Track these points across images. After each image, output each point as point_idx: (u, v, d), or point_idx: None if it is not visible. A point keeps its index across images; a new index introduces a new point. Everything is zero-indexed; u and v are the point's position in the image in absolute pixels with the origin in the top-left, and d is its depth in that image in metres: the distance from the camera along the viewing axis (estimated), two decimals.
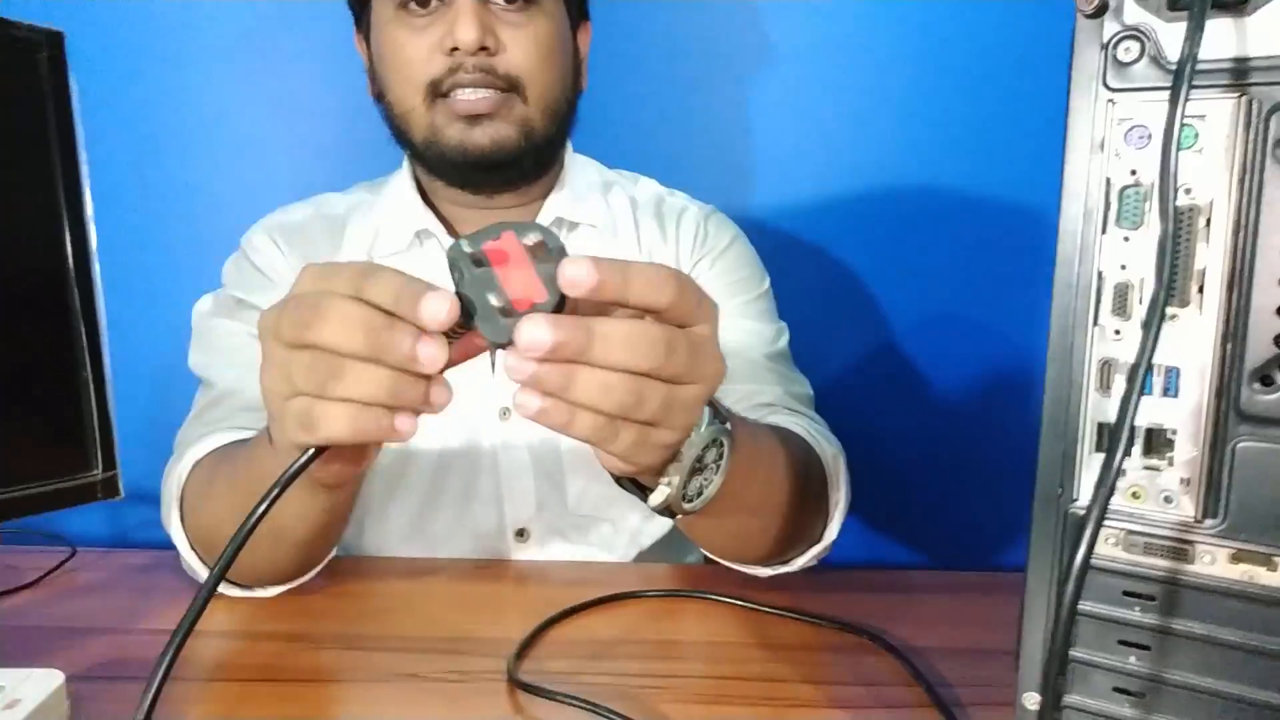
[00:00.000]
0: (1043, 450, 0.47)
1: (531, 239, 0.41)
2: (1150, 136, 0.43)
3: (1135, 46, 0.43)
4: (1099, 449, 0.46)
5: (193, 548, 0.75)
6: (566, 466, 0.93)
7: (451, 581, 0.85)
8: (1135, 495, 0.45)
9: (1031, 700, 0.48)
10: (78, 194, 0.61)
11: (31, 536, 0.92)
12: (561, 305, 0.42)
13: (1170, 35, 0.42)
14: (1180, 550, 0.44)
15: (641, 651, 0.71)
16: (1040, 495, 0.47)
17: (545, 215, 0.92)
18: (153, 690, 0.42)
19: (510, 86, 0.83)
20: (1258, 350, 0.42)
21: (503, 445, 0.92)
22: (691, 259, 0.96)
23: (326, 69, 1.21)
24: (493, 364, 0.84)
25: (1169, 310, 0.44)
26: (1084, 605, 0.47)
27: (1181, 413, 0.44)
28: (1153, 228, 0.43)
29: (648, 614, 0.78)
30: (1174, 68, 0.42)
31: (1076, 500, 0.46)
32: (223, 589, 0.75)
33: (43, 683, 0.57)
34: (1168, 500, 0.45)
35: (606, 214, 0.95)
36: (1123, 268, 0.44)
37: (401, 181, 0.93)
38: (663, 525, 0.96)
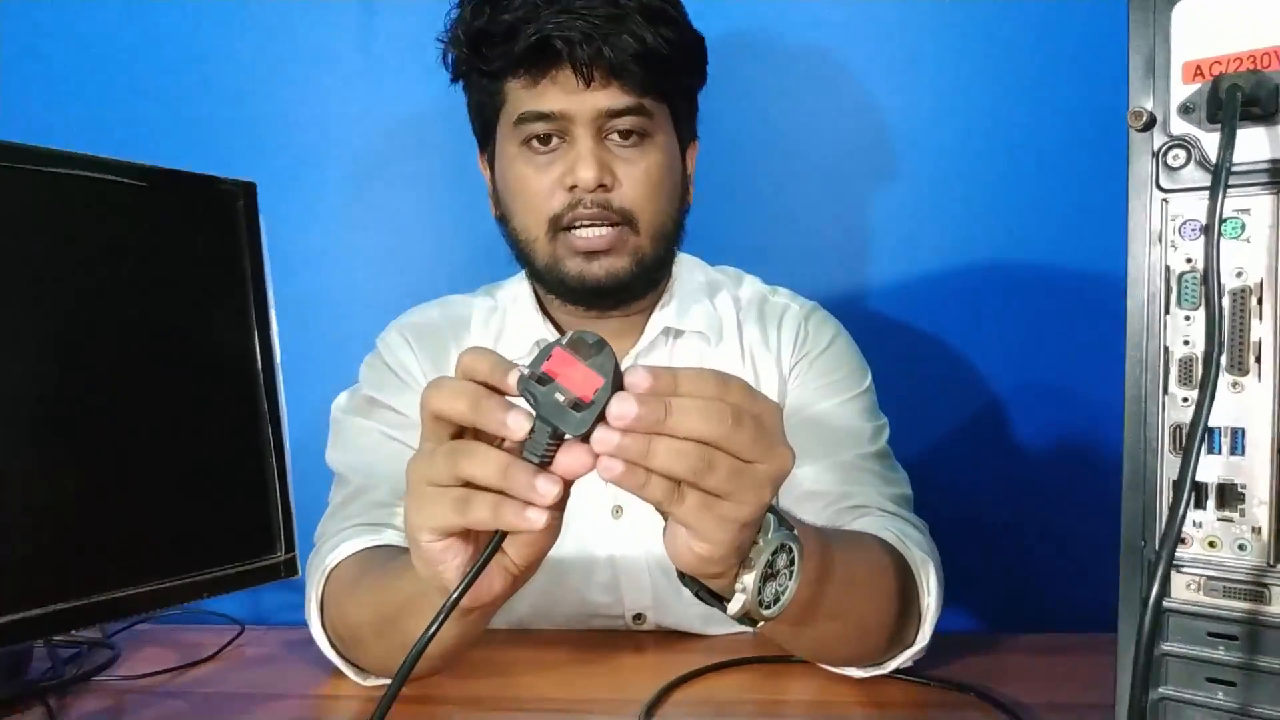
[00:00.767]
0: (1125, 507, 0.53)
1: (570, 343, 0.50)
2: (1202, 229, 0.50)
3: (1182, 154, 0.50)
4: (1187, 506, 0.51)
5: (332, 644, 0.82)
6: None
7: (575, 649, 0.92)
8: (1212, 544, 0.51)
9: None
10: (265, 315, 0.72)
11: (200, 615, 1.02)
12: (620, 384, 0.50)
13: (1211, 142, 0.49)
14: (1256, 592, 0.49)
15: (761, 710, 0.76)
16: (1125, 548, 0.53)
17: (653, 326, 0.98)
18: None
19: (624, 220, 0.90)
20: None
21: (617, 541, 0.98)
22: (791, 360, 1.01)
23: (455, 181, 1.32)
24: None
25: (1233, 378, 0.50)
26: (1172, 646, 0.52)
27: (1249, 469, 0.49)
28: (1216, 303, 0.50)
29: (763, 678, 0.83)
30: (1214, 167, 0.49)
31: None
32: (353, 676, 0.82)
33: None
34: (1242, 548, 0.50)
35: (712, 318, 1.00)
36: (1185, 343, 0.51)
37: (522, 290, 1.02)
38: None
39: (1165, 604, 0.52)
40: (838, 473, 0.92)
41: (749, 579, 0.57)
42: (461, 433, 0.54)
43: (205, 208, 0.71)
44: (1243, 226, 0.49)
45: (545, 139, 0.89)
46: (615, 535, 0.98)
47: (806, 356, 1.00)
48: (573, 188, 0.88)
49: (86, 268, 0.67)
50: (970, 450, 1.33)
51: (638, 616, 0.99)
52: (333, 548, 0.83)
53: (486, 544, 0.53)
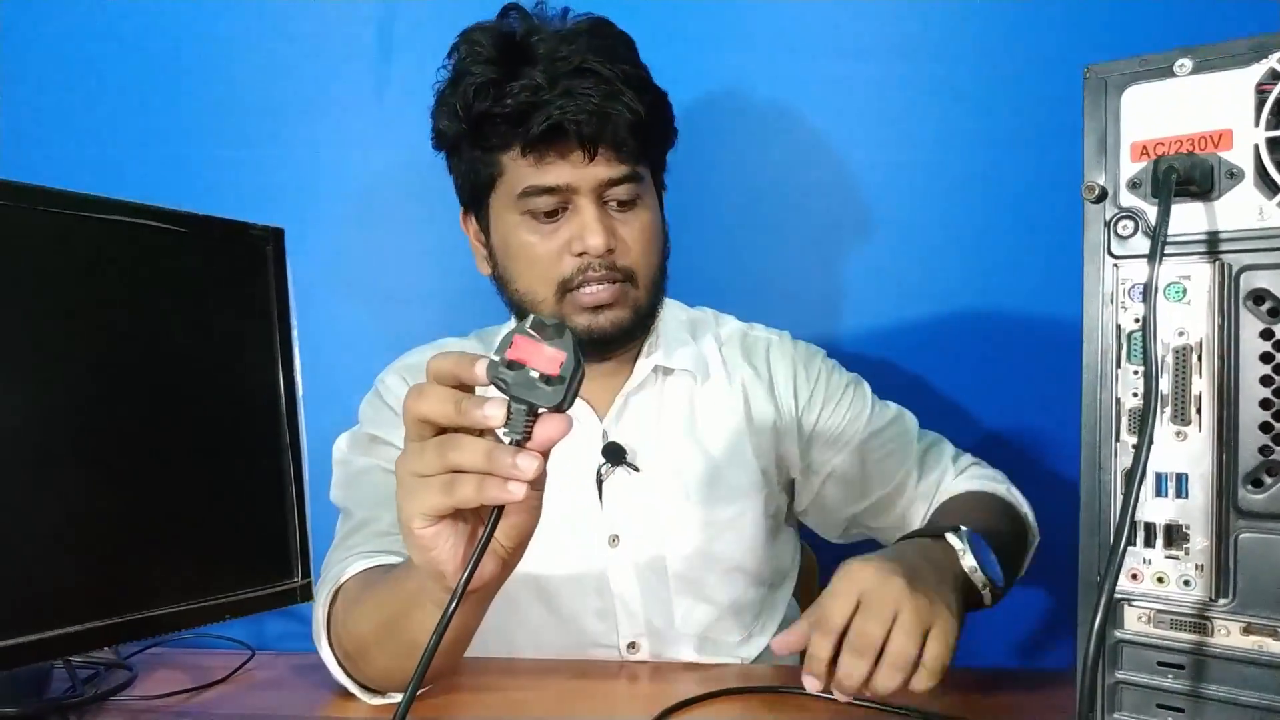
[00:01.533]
0: (1082, 545, 0.58)
1: (532, 327, 0.55)
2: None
3: (1130, 224, 0.55)
4: (1129, 543, 0.56)
5: (340, 664, 0.86)
6: (673, 590, 1.03)
7: (571, 678, 0.95)
8: (1160, 580, 0.55)
9: None
10: (289, 352, 0.77)
11: (207, 640, 1.06)
12: (581, 358, 0.55)
13: (1155, 215, 0.54)
14: (1200, 625, 0.54)
15: None
16: (1082, 583, 0.57)
17: (643, 366, 1.05)
18: None
19: (626, 277, 0.97)
20: (1247, 459, 0.52)
21: (613, 569, 1.02)
22: (794, 393, 1.08)
23: (452, 228, 1.37)
24: (600, 496, 0.97)
25: (1176, 428, 0.55)
26: (1125, 675, 0.56)
27: (1192, 511, 0.54)
28: (1155, 364, 0.55)
29: (758, 707, 0.87)
30: (1151, 237, 0.54)
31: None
32: (360, 695, 0.86)
33: None
34: (1187, 584, 0.55)
35: (699, 358, 1.07)
36: (1135, 395, 0.56)
37: None
38: (759, 644, 1.07)
39: (1118, 635, 0.57)
40: (919, 469, 1.07)
41: (977, 574, 0.81)
42: (443, 430, 0.58)
43: (237, 251, 0.76)
44: (1184, 291, 0.54)
45: (551, 212, 0.95)
46: (611, 563, 1.02)
47: (818, 389, 1.09)
48: (581, 254, 0.95)
49: (125, 305, 0.72)
50: None
51: (631, 645, 1.03)
52: (339, 573, 0.87)
53: (478, 527, 0.59)
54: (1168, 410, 0.55)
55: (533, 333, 0.55)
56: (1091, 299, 0.57)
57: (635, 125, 0.93)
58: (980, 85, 1.34)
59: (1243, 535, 0.53)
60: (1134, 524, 0.51)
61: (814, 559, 1.29)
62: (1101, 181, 0.56)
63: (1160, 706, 0.55)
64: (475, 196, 1.01)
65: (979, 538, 0.84)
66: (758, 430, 1.06)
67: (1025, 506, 1.04)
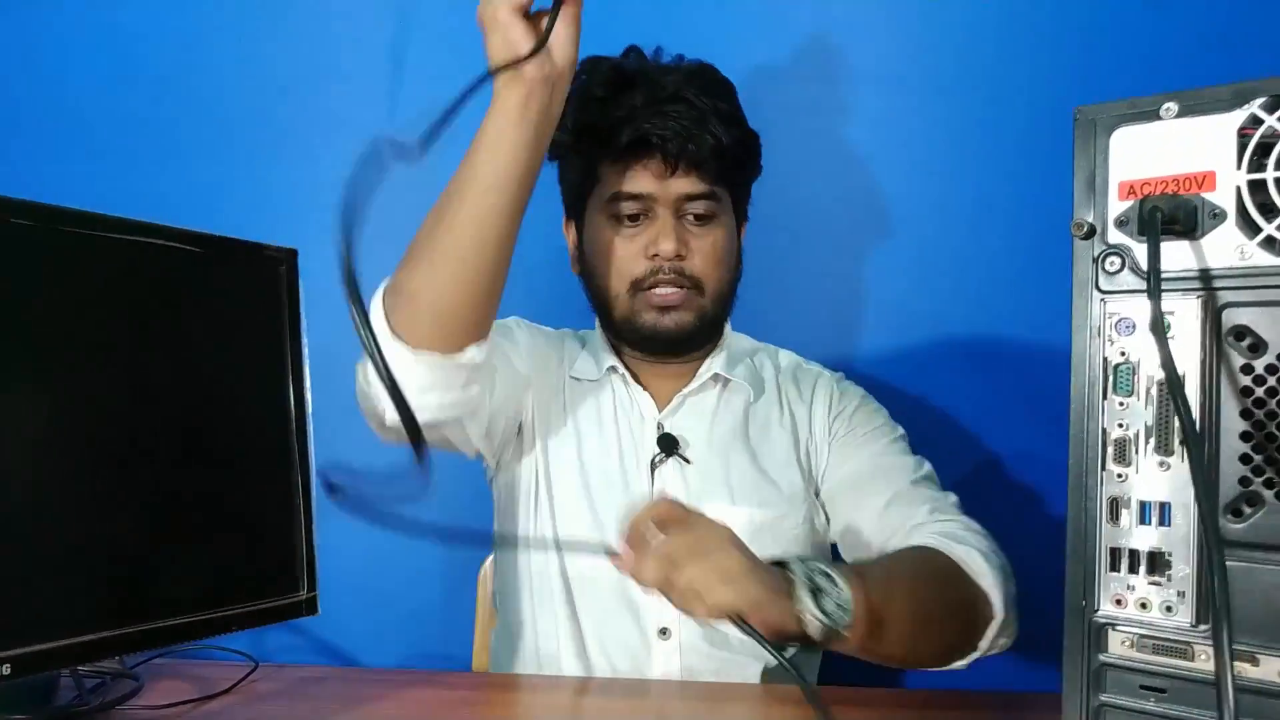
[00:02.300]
0: (1069, 570, 0.59)
1: None
2: (1134, 326, 0.57)
3: (1118, 260, 0.57)
4: (1113, 569, 0.58)
5: (392, 329, 0.85)
6: None
7: (601, 697, 0.97)
8: (1143, 605, 0.57)
9: None
10: (300, 370, 0.79)
11: (211, 651, 1.07)
12: None
13: (1142, 252, 0.57)
14: (1182, 649, 0.56)
15: None
16: (1069, 609, 0.59)
17: (704, 372, 1.13)
18: None
19: (693, 285, 1.07)
20: (1227, 489, 0.54)
21: None
22: (828, 418, 1.14)
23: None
24: (652, 484, 1.07)
25: (1160, 458, 0.56)
26: (1110, 698, 0.58)
27: (1174, 539, 0.56)
28: (1141, 396, 0.57)
29: None
30: (1146, 276, 0.56)
31: (1098, 610, 0.58)
32: (391, 351, 0.82)
33: None
34: (1169, 609, 0.56)
35: (755, 376, 1.17)
36: (1120, 425, 0.57)
37: (597, 334, 1.17)
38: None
39: (1103, 659, 0.58)
40: (897, 503, 1.04)
41: (804, 599, 0.74)
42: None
43: (252, 271, 0.78)
44: (1169, 325, 0.56)
45: (634, 216, 1.06)
46: None
47: (843, 414, 1.14)
48: (654, 256, 1.05)
49: (142, 323, 0.74)
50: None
51: (663, 631, 1.05)
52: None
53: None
54: (1151, 441, 0.56)
55: None
56: (1079, 332, 0.59)
57: (717, 150, 1.03)
58: (988, 116, 1.36)
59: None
60: (1117, 551, 0.53)
61: None
62: (1090, 219, 0.58)
63: None
64: (575, 201, 1.13)
65: (830, 575, 0.78)
66: (801, 448, 1.13)
67: (989, 578, 0.91)
